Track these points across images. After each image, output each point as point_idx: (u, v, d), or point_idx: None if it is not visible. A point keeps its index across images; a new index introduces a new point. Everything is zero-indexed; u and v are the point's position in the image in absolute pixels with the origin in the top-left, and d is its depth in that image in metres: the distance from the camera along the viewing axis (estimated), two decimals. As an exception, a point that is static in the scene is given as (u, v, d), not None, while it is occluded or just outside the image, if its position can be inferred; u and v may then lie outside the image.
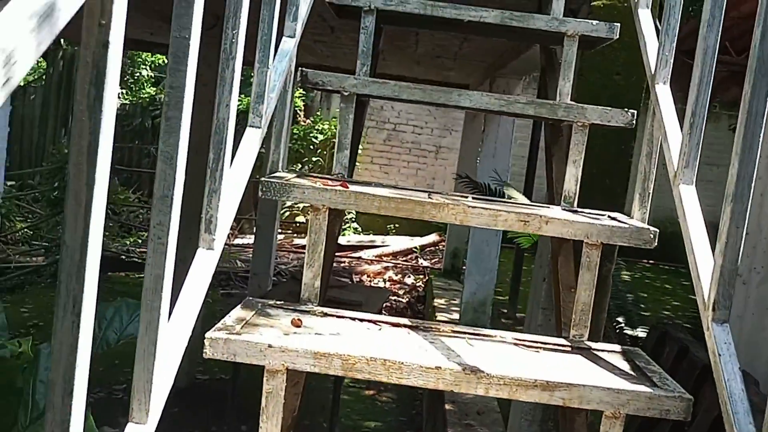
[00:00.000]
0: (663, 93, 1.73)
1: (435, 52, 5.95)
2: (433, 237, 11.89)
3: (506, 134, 5.86)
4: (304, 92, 12.69)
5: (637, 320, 4.41)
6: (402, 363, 1.31)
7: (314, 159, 12.11)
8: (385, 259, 10.98)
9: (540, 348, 1.55)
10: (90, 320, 0.74)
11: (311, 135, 12.18)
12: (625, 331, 3.95)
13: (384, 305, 9.29)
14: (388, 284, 9.87)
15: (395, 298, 9.25)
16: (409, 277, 10.16)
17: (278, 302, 1.62)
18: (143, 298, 0.99)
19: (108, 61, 0.69)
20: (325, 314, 1.60)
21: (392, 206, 1.60)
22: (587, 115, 1.89)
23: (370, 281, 9.94)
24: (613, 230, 1.59)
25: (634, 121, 1.89)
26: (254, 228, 8.69)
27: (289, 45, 1.75)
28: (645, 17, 1.98)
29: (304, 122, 13.00)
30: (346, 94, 1.89)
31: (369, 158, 12.55)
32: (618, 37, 2.18)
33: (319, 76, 1.89)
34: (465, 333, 1.59)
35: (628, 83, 2.79)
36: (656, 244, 1.60)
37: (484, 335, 1.59)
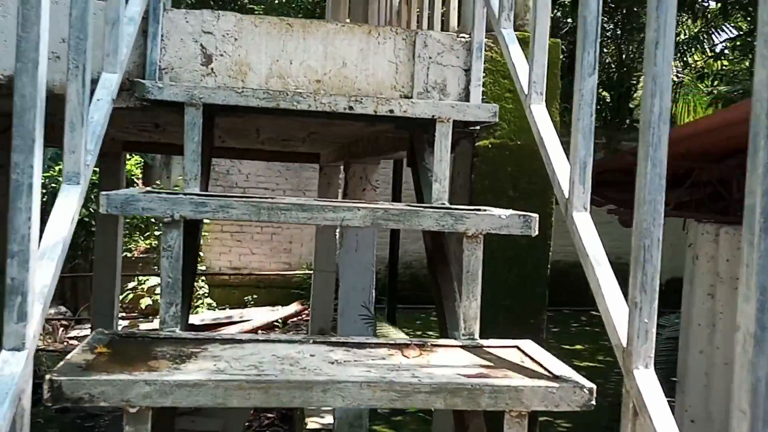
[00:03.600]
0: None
1: (281, 137, 5.26)
2: (294, 307, 11.08)
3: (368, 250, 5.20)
4: (141, 156, 11.60)
5: None
6: None
7: (157, 233, 11.00)
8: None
9: None
10: None
11: (151, 207, 11.04)
12: None
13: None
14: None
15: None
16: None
17: None
18: None
19: None
20: None
21: None
22: (519, 397, 1.21)
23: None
24: None
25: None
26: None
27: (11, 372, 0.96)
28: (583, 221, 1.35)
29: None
30: (132, 410, 1.12)
31: (219, 226, 11.57)
32: (537, 232, 1.55)
33: (83, 387, 1.10)
34: None
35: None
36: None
37: None
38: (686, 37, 13.38)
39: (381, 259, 7.87)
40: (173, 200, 1.41)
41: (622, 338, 1.14)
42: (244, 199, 1.44)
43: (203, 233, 11.39)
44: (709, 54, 13.22)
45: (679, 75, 15.49)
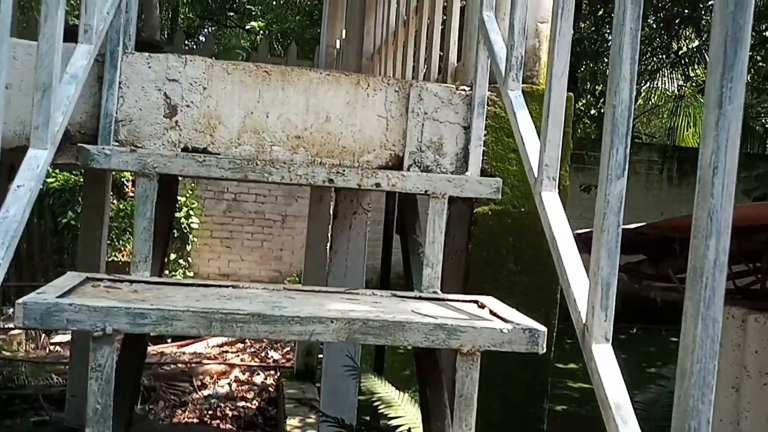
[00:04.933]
0: None
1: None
2: (283, 316, 10.83)
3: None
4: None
5: None
6: None
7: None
8: (230, 350, 9.79)
9: None
10: None
11: (140, 211, 10.78)
12: None
13: (231, 414, 8.12)
14: (234, 386, 8.71)
15: (243, 403, 8.13)
16: (259, 374, 9.03)
17: None
18: None
19: None
20: None
21: None
22: None
23: (214, 384, 8.72)
24: None
25: None
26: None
27: None
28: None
29: (133, 193, 11.61)
30: None
31: (208, 232, 11.31)
32: (544, 350, 1.30)
33: None
34: None
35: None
36: None
37: None
38: (687, 50, 13.25)
39: (373, 268, 7.62)
40: (105, 310, 1.15)
41: None
42: (193, 308, 1.19)
43: (192, 239, 11.15)
44: (712, 68, 12.97)
45: (681, 87, 15.29)
